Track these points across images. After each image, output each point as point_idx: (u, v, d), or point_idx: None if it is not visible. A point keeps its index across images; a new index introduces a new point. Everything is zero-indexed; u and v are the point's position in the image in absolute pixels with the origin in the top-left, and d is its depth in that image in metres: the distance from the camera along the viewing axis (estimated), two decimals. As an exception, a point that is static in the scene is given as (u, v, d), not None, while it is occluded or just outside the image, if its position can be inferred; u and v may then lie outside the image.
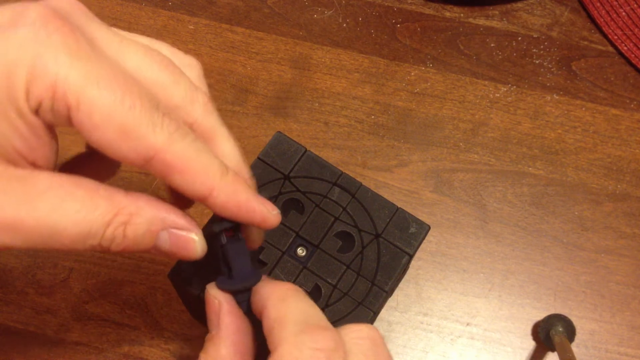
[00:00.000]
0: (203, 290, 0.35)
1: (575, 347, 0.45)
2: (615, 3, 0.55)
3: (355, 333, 0.26)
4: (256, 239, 0.30)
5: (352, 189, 0.38)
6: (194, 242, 0.27)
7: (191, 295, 0.35)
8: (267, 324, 0.26)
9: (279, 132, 0.39)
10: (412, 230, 0.37)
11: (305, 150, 0.38)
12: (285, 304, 0.26)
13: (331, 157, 0.50)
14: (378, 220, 0.37)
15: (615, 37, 0.55)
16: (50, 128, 0.25)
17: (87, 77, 0.23)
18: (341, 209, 0.37)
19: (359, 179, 0.38)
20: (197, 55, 0.53)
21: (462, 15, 0.56)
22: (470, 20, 0.56)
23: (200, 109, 0.28)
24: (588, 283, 0.47)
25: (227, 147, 0.29)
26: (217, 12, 0.55)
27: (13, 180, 0.24)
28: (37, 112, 0.23)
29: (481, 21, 0.56)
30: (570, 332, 0.44)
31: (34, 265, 0.46)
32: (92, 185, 0.25)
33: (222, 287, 0.28)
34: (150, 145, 0.24)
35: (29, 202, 0.23)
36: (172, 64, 0.27)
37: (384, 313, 0.46)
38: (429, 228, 0.37)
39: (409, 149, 0.51)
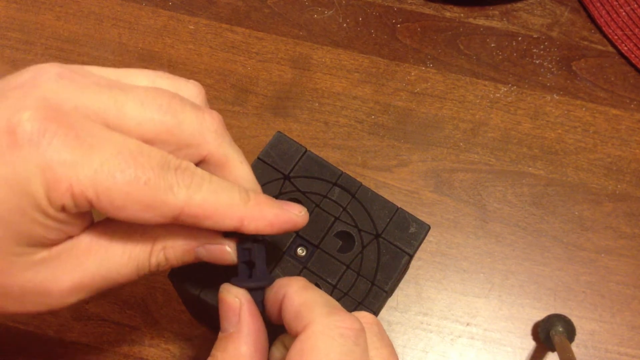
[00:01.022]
0: (203, 290, 0.35)
1: (575, 347, 0.45)
2: (615, 3, 0.55)
3: (364, 319, 0.28)
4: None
5: (352, 189, 0.38)
6: (228, 252, 0.29)
7: (191, 295, 0.35)
8: (291, 310, 0.27)
9: (279, 132, 0.39)
10: (412, 230, 0.37)
11: (306, 150, 0.38)
12: (309, 291, 0.27)
13: (331, 157, 0.50)
14: (378, 220, 0.37)
15: (616, 37, 0.55)
16: (82, 216, 0.27)
17: (97, 171, 0.24)
18: (341, 209, 0.37)
19: (359, 178, 0.38)
20: (197, 55, 0.53)
21: (462, 15, 0.56)
22: (470, 20, 0.56)
23: (211, 138, 0.29)
24: (588, 283, 0.47)
25: (242, 171, 0.30)
26: (217, 12, 0.55)
27: (61, 253, 0.27)
28: (63, 210, 0.25)
29: (481, 21, 0.56)
30: (570, 332, 0.44)
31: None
32: (124, 228, 0.27)
33: (243, 285, 0.29)
34: (173, 207, 0.26)
35: (79, 265, 0.27)
36: (172, 101, 0.28)
37: (384, 313, 0.46)
38: (429, 228, 0.37)
39: (409, 149, 0.51)
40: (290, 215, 0.29)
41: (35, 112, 0.24)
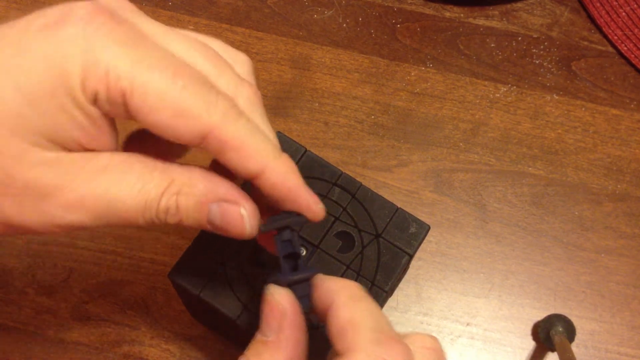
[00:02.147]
0: (203, 290, 0.35)
1: (575, 347, 0.45)
2: (615, 3, 0.55)
3: (420, 342, 0.26)
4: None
5: (352, 189, 0.38)
6: (241, 218, 0.26)
7: (191, 295, 0.35)
8: (336, 324, 0.25)
9: (279, 132, 0.39)
10: (412, 230, 0.37)
11: (306, 150, 0.38)
12: (358, 306, 0.26)
13: (331, 157, 0.50)
14: (378, 220, 0.37)
15: (615, 37, 0.55)
16: (110, 120, 0.26)
17: (137, 63, 0.24)
18: (341, 209, 0.37)
19: (359, 178, 0.38)
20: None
21: (462, 15, 0.56)
22: (470, 20, 0.56)
23: (244, 102, 0.28)
24: (588, 283, 0.47)
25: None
26: (217, 12, 0.55)
27: (75, 162, 0.25)
28: (94, 102, 0.24)
29: (481, 21, 0.56)
30: (570, 332, 0.44)
31: (34, 265, 0.46)
32: (148, 161, 0.26)
33: (289, 279, 0.27)
34: (205, 124, 0.25)
35: (89, 180, 0.25)
36: (217, 56, 0.27)
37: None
38: (429, 228, 0.37)
39: (409, 149, 0.51)
40: (309, 196, 0.27)
41: (90, 5, 0.25)
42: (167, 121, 0.24)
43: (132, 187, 0.25)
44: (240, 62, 0.29)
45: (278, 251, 0.28)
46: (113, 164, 0.25)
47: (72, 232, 0.47)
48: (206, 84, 0.25)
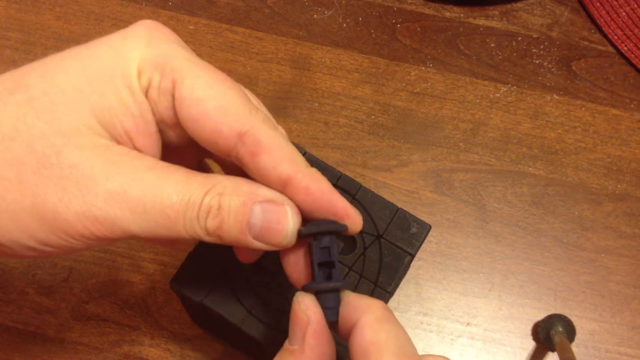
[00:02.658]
0: (206, 297, 0.34)
1: (575, 347, 0.45)
2: (615, 3, 0.55)
3: None
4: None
5: (352, 190, 0.38)
6: (286, 216, 0.26)
7: (194, 302, 0.35)
8: (360, 344, 0.25)
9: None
10: (414, 230, 0.37)
11: (305, 152, 0.38)
12: (383, 327, 0.25)
13: (331, 157, 0.50)
14: (379, 221, 0.37)
15: (615, 37, 0.55)
16: (156, 122, 0.27)
17: (192, 62, 0.26)
18: (342, 210, 0.37)
19: (359, 179, 0.38)
20: (197, 55, 0.53)
21: (462, 15, 0.56)
22: (470, 20, 0.56)
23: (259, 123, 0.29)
24: (588, 283, 0.47)
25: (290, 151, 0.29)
26: (217, 12, 0.55)
27: (123, 155, 0.26)
28: (146, 94, 0.26)
29: (481, 21, 0.56)
30: (570, 332, 0.44)
31: (34, 265, 0.46)
32: (192, 170, 0.27)
33: (320, 287, 0.27)
34: (245, 122, 0.26)
35: (135, 173, 0.25)
36: (236, 85, 0.28)
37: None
38: (430, 227, 0.37)
39: (409, 149, 0.51)
40: (345, 203, 0.27)
41: (155, 22, 0.28)
42: (210, 114, 0.25)
43: (177, 183, 0.25)
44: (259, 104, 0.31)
45: (313, 258, 0.27)
46: (159, 165, 0.26)
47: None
48: (245, 95, 0.27)
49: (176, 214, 0.25)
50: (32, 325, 0.45)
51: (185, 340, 0.45)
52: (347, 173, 0.38)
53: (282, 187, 0.26)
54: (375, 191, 0.38)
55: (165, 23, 0.55)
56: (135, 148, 0.26)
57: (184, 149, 0.29)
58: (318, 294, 0.27)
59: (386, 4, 0.56)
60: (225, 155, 0.27)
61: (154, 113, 0.26)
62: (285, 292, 0.35)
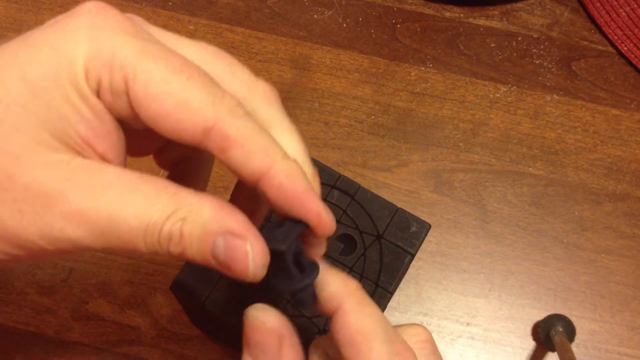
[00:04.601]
0: (207, 299, 0.34)
1: (575, 347, 0.45)
2: (615, 3, 0.55)
3: (415, 337, 0.27)
4: (317, 250, 0.28)
5: (351, 191, 0.38)
6: (245, 255, 0.23)
7: (194, 305, 0.35)
8: (345, 333, 0.25)
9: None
10: (413, 229, 0.37)
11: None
12: (365, 312, 0.25)
13: (331, 157, 0.50)
14: (379, 221, 0.37)
15: (615, 37, 0.55)
16: (114, 119, 0.25)
17: (143, 53, 0.23)
18: (341, 212, 0.37)
19: (358, 179, 0.38)
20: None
21: (462, 15, 0.56)
22: (470, 20, 0.56)
23: (260, 97, 0.26)
24: (588, 283, 0.47)
25: (288, 139, 0.27)
26: (217, 12, 0.55)
27: (80, 170, 0.23)
28: (98, 94, 0.24)
29: (481, 21, 0.56)
30: (570, 332, 0.44)
31: (34, 265, 0.46)
32: (160, 182, 0.24)
33: (302, 285, 0.26)
34: (208, 117, 0.23)
35: (93, 193, 0.23)
36: (231, 58, 0.27)
37: (384, 313, 0.46)
38: (430, 227, 0.37)
39: (409, 149, 0.51)
40: (319, 206, 0.25)
41: (100, 2, 0.25)
42: (168, 112, 0.23)
43: (137, 206, 0.23)
44: (262, 88, 0.28)
45: (285, 258, 0.26)
46: (120, 181, 0.24)
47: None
48: (213, 81, 0.24)
49: (135, 238, 0.23)
50: (32, 325, 0.45)
51: (185, 340, 0.45)
52: (347, 173, 0.38)
53: (256, 182, 0.24)
54: (375, 191, 0.38)
55: (165, 23, 0.55)
56: (97, 153, 0.24)
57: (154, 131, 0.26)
58: (300, 291, 0.26)
59: (386, 4, 0.56)
60: (197, 147, 0.25)
61: (110, 111, 0.24)
62: (285, 294, 0.35)
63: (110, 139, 0.25)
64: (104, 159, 0.25)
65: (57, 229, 0.23)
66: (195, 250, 0.24)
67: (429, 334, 0.27)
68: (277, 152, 0.24)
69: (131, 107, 0.24)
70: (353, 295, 0.26)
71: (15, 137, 0.23)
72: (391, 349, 0.24)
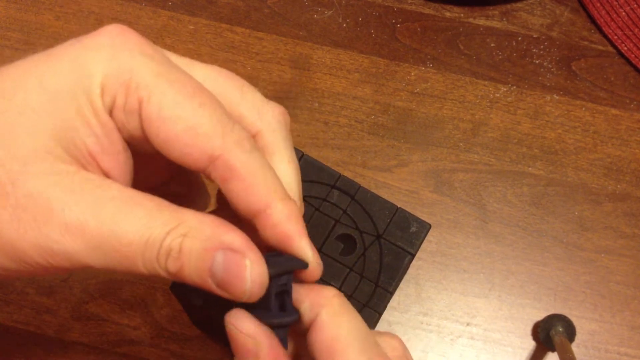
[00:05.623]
0: (206, 300, 0.34)
1: (575, 347, 0.45)
2: (615, 3, 0.55)
3: (390, 350, 0.27)
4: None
5: (351, 191, 0.38)
6: (244, 269, 0.24)
7: (194, 306, 0.35)
8: (321, 340, 0.25)
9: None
10: (413, 229, 0.37)
11: (303, 154, 0.38)
12: (344, 319, 0.25)
13: (331, 157, 0.50)
14: (378, 221, 0.37)
15: (615, 37, 0.55)
16: (123, 140, 0.25)
17: (159, 76, 0.24)
18: (341, 212, 0.37)
19: (358, 179, 0.38)
20: (197, 55, 0.53)
21: (462, 15, 0.56)
22: (470, 20, 0.56)
23: (267, 122, 0.27)
24: (588, 283, 0.47)
25: (285, 170, 0.28)
26: (217, 12, 0.55)
27: (83, 182, 0.24)
28: (111, 112, 0.24)
29: (481, 21, 0.56)
30: (570, 332, 0.44)
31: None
32: (162, 201, 0.24)
33: (277, 321, 0.25)
34: (216, 146, 0.24)
35: (95, 205, 0.23)
36: (242, 80, 0.27)
37: (384, 313, 0.46)
38: (430, 227, 0.37)
39: (409, 149, 0.51)
40: (308, 250, 0.26)
41: (121, 26, 0.25)
42: (178, 136, 0.24)
43: (138, 220, 0.23)
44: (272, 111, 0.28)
45: (271, 289, 0.25)
46: (122, 195, 0.24)
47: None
48: (225, 111, 0.25)
49: (133, 254, 0.23)
50: (32, 325, 0.45)
51: (185, 340, 0.45)
52: (347, 173, 0.38)
53: (252, 218, 0.25)
54: (375, 191, 0.38)
55: (165, 23, 0.55)
56: (102, 169, 0.25)
57: (160, 156, 0.27)
58: (273, 327, 0.26)
59: (386, 4, 0.56)
60: (200, 172, 0.25)
61: (121, 131, 0.25)
62: None
63: (116, 158, 0.25)
64: (107, 176, 0.25)
65: (54, 241, 0.23)
66: (193, 266, 0.24)
67: (403, 345, 0.27)
68: (277, 191, 0.25)
69: (142, 128, 0.24)
70: (329, 304, 0.26)
71: (26, 143, 0.23)
72: (367, 359, 0.24)
